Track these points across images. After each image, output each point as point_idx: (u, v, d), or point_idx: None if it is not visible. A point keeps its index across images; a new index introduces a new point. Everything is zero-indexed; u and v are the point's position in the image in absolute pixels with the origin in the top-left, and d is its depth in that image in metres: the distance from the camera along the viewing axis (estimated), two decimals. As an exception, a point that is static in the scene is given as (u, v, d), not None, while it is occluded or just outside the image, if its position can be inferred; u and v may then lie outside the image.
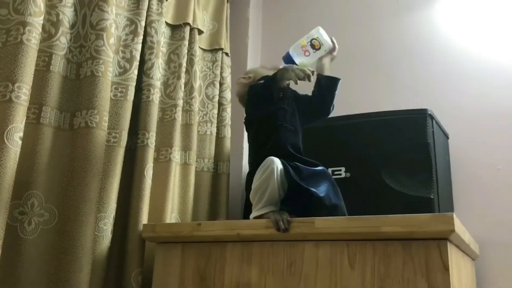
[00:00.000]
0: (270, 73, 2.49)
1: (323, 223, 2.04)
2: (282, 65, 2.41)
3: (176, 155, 2.83)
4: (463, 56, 3.17)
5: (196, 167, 2.96)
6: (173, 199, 2.76)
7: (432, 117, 2.68)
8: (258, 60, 3.64)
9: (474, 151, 2.98)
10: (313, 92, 2.53)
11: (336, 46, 2.54)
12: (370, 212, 2.05)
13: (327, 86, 2.49)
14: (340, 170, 2.78)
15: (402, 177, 2.64)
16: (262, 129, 2.44)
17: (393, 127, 2.71)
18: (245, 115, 2.62)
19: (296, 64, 2.37)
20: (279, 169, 2.21)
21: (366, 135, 2.79)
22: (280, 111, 2.46)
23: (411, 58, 3.33)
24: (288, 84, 2.41)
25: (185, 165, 2.93)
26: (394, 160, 2.69)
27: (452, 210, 2.81)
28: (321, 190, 2.26)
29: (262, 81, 2.45)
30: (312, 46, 2.42)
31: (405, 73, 3.33)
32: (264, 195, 2.20)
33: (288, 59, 2.40)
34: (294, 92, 2.59)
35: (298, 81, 2.28)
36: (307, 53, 2.44)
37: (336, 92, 2.48)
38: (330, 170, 2.62)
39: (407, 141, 2.66)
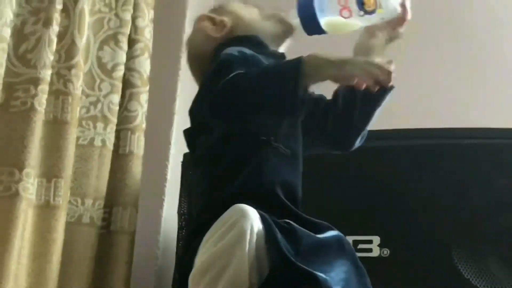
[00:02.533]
0: (268, 25, 2.02)
1: None
2: (292, 15, 1.83)
3: (30, 185, 2.16)
4: None
5: (68, 215, 2.31)
6: (16, 278, 2.13)
7: None
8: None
9: None
10: (335, 93, 2.02)
11: (409, 14, 1.92)
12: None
13: (366, 94, 1.89)
14: (371, 242, 2.20)
15: (494, 265, 2.12)
16: (228, 145, 1.89)
17: (481, 161, 2.20)
18: (194, 105, 2.01)
19: (319, 25, 1.81)
20: (255, 232, 1.66)
21: (425, 174, 2.24)
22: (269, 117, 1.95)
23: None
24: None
25: (46, 209, 2.22)
26: (479, 228, 2.14)
27: None
28: (335, 278, 1.71)
29: (253, 55, 1.91)
30: (361, 3, 1.83)
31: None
32: (218, 281, 1.66)
33: (306, 9, 1.81)
34: None
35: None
36: (345, 12, 1.83)
37: (379, 110, 1.96)
38: (350, 240, 1.99)
39: (510, 191, 2.17)
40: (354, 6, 1.86)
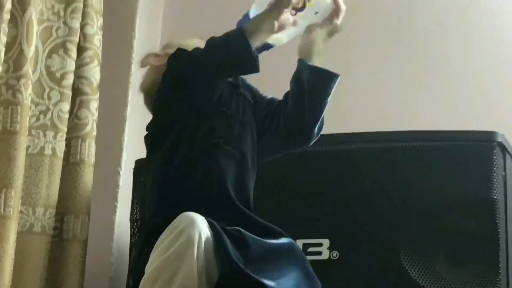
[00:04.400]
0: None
1: None
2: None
3: (-21, 196, 2.20)
4: None
5: (18, 224, 2.29)
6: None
7: (504, 148, 2.20)
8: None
9: None
10: (286, 94, 2.04)
11: (342, 6, 1.95)
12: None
13: (313, 86, 1.96)
14: (320, 245, 2.21)
15: (441, 265, 2.14)
16: (179, 149, 1.92)
17: (427, 164, 2.20)
18: (152, 119, 2.05)
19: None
20: (203, 239, 1.70)
21: (372, 177, 2.24)
22: (219, 119, 1.95)
23: (469, 45, 2.87)
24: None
25: (-4, 219, 2.24)
26: (426, 230, 2.16)
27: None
28: (285, 284, 1.76)
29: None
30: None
31: (456, 68, 2.87)
32: (168, 288, 1.75)
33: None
34: (251, 88, 2.08)
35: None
36: None
37: (329, 99, 1.97)
38: (300, 244, 2.15)
39: (455, 193, 2.17)
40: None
